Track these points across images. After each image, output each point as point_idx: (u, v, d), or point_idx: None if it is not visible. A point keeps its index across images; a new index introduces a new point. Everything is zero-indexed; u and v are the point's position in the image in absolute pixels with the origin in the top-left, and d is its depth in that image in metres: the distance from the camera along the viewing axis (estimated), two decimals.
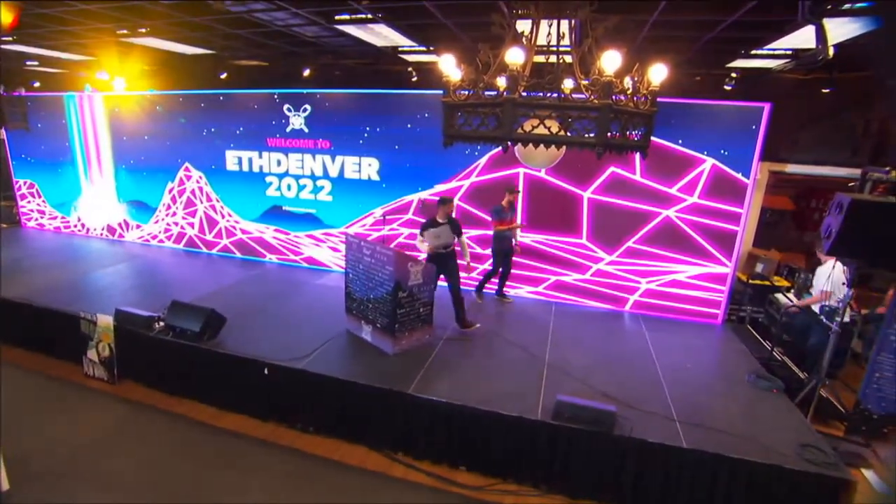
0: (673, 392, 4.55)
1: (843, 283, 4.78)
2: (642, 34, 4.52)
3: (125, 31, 5.29)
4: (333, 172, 7.64)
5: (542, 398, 4.29)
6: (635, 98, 2.30)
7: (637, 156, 6.09)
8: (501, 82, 2.50)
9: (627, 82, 2.27)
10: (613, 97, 2.19)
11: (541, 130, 2.16)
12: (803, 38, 4.37)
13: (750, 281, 6.84)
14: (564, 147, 2.23)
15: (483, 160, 6.68)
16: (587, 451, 3.85)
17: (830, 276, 5.14)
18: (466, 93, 2.32)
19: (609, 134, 2.17)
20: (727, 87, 6.07)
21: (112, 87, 9.04)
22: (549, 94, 2.43)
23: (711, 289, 6.32)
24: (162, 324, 5.34)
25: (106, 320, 5.28)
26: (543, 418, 3.96)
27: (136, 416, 4.87)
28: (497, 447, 4.09)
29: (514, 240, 6.54)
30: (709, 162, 6.01)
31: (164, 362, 5.19)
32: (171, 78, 8.76)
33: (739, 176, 5.94)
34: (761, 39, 4.72)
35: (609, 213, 6.27)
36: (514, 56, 2.07)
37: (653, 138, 5.92)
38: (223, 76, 7.88)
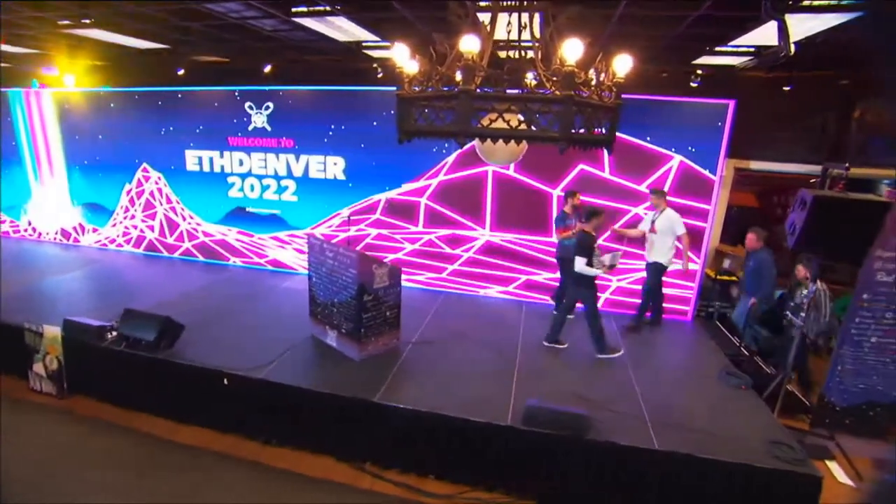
0: (645, 391, 4.51)
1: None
2: (608, 29, 4.46)
3: (68, 22, 4.96)
4: (298, 172, 7.40)
5: (512, 402, 4.19)
6: (600, 91, 2.19)
7: (605, 152, 6.13)
8: (459, 75, 2.39)
9: (591, 74, 2.16)
10: (577, 91, 2.08)
11: (500, 125, 2.04)
12: (766, 34, 4.39)
13: (718, 277, 6.89)
14: (526, 143, 2.10)
15: (451, 158, 6.56)
16: (559, 455, 3.77)
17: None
18: (422, 88, 2.18)
19: (572, 129, 2.06)
20: (693, 84, 6.11)
21: (63, 83, 8.58)
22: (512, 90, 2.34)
23: (681, 286, 6.34)
24: (114, 333, 5.04)
25: (53, 331, 4.97)
26: (514, 424, 3.85)
27: (87, 433, 4.58)
28: (467, 454, 3.97)
29: None
30: (676, 159, 6.03)
31: (117, 374, 4.89)
32: (126, 74, 8.35)
33: (706, 173, 5.98)
34: (726, 36, 4.74)
35: (579, 211, 6.20)
36: (469, 44, 1.93)
37: (621, 135, 6.00)
38: (180, 73, 7.54)
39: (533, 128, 2.05)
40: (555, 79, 2.00)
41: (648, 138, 6.03)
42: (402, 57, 2.23)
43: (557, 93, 1.99)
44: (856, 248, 4.14)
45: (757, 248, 5.64)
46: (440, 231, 6.91)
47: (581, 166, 6.21)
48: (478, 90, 2.03)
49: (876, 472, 4.16)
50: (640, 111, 5.94)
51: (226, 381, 4.57)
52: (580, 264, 4.95)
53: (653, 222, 5.74)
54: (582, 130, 2.25)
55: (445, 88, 2.07)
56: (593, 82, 2.14)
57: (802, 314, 4.69)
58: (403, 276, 7.02)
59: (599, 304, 6.41)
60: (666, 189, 6.04)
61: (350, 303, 4.70)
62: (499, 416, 3.94)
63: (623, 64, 2.21)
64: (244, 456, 4.29)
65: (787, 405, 4.78)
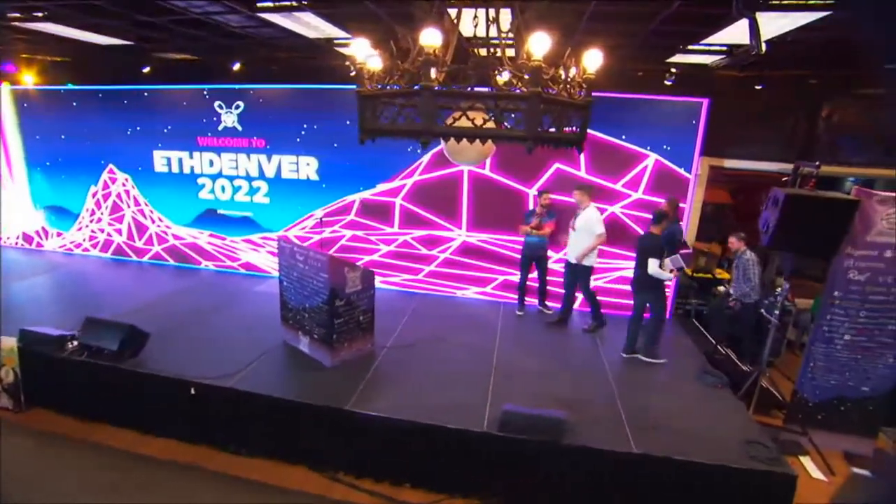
0: (622, 392, 4.48)
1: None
2: (581, 26, 4.41)
3: (17, 15, 4.69)
4: (270, 173, 7.21)
5: (488, 407, 4.11)
6: (569, 88, 2.11)
7: (579, 152, 6.10)
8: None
9: (560, 71, 2.08)
10: (546, 88, 1.99)
11: (465, 123, 1.94)
12: (738, 33, 4.39)
13: (694, 275, 6.94)
14: (492, 142, 2.01)
15: (426, 158, 6.46)
16: (536, 461, 3.70)
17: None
18: (383, 85, 2.07)
19: (541, 127, 1.98)
20: (667, 83, 6.12)
21: (22, 81, 8.21)
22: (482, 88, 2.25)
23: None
24: (75, 343, 4.82)
25: (9, 343, 4.73)
26: (490, 429, 3.77)
27: (47, 448, 4.36)
28: (442, 462, 3.88)
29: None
30: (652, 157, 6.04)
31: (79, 386, 4.67)
32: (89, 72, 8.03)
33: (682, 171, 6.00)
34: (699, 34, 4.73)
35: (555, 210, 6.16)
36: (430, 38, 1.83)
37: (597, 133, 6.07)
38: (146, 70, 7.27)
39: (500, 126, 1.95)
40: (521, 74, 1.91)
41: (624, 137, 6.02)
42: (362, 53, 2.12)
43: (524, 89, 1.90)
44: (827, 245, 4.18)
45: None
46: (416, 232, 6.81)
47: (557, 165, 6.17)
48: (442, 87, 1.94)
49: (867, 466, 4.23)
50: (616, 109, 5.95)
51: (193, 391, 4.41)
52: (654, 266, 4.92)
53: (574, 219, 5.69)
54: (553, 129, 2.17)
55: (411, 87, 1.97)
56: (563, 78, 2.06)
57: (777, 311, 4.71)
58: (379, 278, 6.96)
59: (576, 305, 6.45)
60: (642, 187, 6.04)
61: (321, 308, 4.56)
62: (474, 422, 3.85)
63: (593, 59, 2.13)
64: (214, 467, 4.13)
65: (762, 401, 4.81)
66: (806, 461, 4.37)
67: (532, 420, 3.66)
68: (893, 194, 4.19)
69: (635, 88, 6.04)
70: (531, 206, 6.00)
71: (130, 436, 4.45)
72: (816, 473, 4.23)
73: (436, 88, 1.87)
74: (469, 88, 1.99)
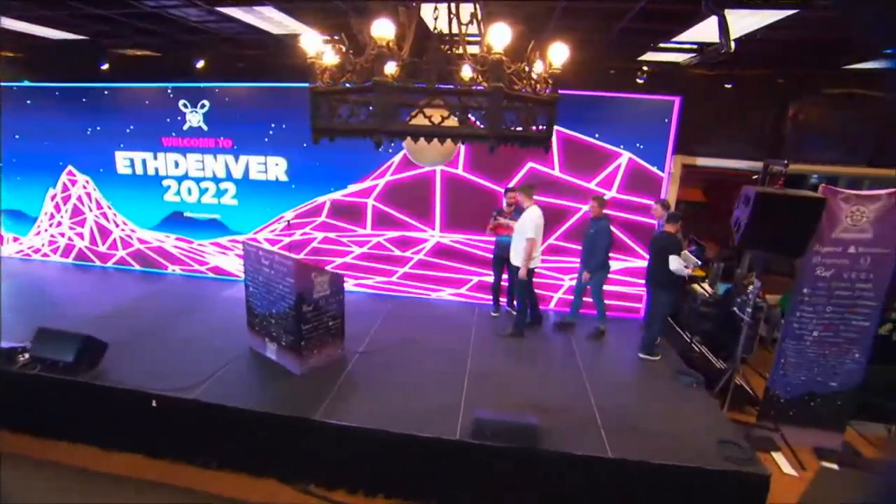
0: (597, 395, 4.44)
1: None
2: (551, 22, 4.35)
3: None
4: (237, 174, 6.98)
5: (462, 413, 4.01)
6: (534, 84, 2.01)
7: (555, 150, 6.06)
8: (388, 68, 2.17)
9: (524, 66, 1.98)
10: (510, 84, 1.90)
11: (423, 121, 1.83)
12: (708, 31, 4.39)
13: None
14: (458, 142, 1.90)
15: (398, 158, 6.32)
16: (511, 468, 3.62)
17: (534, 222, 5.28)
18: (336, 81, 1.94)
19: (503, 124, 1.88)
20: (639, 81, 6.12)
21: None
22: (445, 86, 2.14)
23: (632, 283, 6.35)
24: (27, 356, 4.55)
25: None
26: (463, 437, 3.67)
27: None
28: (416, 471, 3.78)
29: None
30: (625, 156, 6.03)
31: (32, 401, 4.41)
32: (43, 68, 7.64)
33: (655, 169, 6.00)
34: (670, 32, 4.72)
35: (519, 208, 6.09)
36: (383, 30, 1.71)
37: (570, 132, 6.05)
38: (104, 67, 6.96)
39: (461, 124, 1.85)
40: (481, 69, 1.81)
41: (597, 135, 6.00)
42: (314, 47, 1.99)
43: (485, 84, 1.80)
44: (797, 243, 4.21)
45: (599, 215, 5.52)
46: (389, 233, 6.68)
47: (530, 164, 6.12)
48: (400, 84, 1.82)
49: (835, 459, 4.27)
50: (589, 108, 5.93)
51: (154, 404, 4.21)
52: (675, 263, 4.97)
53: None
54: (520, 128, 2.08)
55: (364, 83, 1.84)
56: (527, 73, 1.96)
57: (749, 309, 4.72)
58: (352, 281, 6.86)
59: (552, 304, 6.42)
60: (615, 186, 6.02)
61: (288, 313, 4.40)
62: (448, 430, 3.76)
63: (559, 53, 2.04)
64: (179, 482, 3.93)
65: (736, 398, 4.84)
66: (778, 457, 4.41)
67: (505, 427, 3.58)
68: (857, 192, 4.24)
69: (608, 87, 6.03)
70: (503, 206, 5.92)
71: (90, 452, 4.23)
72: (788, 469, 4.27)
73: (389, 84, 1.75)
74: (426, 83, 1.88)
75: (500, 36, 1.73)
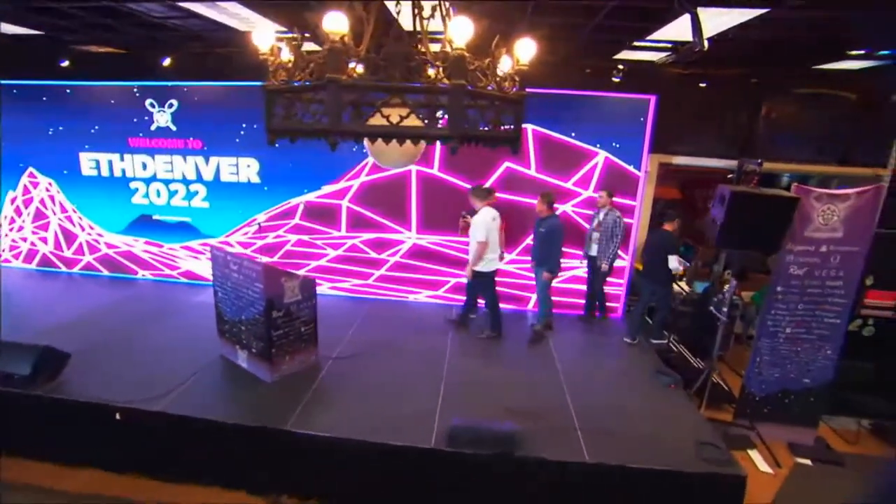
0: (575, 397, 4.40)
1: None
2: (524, 19, 4.28)
3: None
4: (208, 175, 6.78)
5: (437, 420, 3.93)
6: (499, 80, 1.93)
7: (531, 149, 6.02)
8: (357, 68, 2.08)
9: (488, 62, 1.89)
10: (474, 81, 1.81)
11: (380, 121, 1.73)
12: (682, 30, 4.38)
13: None
14: (419, 143, 1.81)
15: (372, 158, 6.20)
16: (487, 475, 3.55)
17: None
18: (289, 78, 1.83)
19: (466, 123, 1.79)
20: (615, 80, 6.10)
21: None
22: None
23: (610, 282, 6.33)
24: None
25: None
26: (438, 445, 3.59)
27: None
28: (390, 481, 3.68)
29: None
30: (602, 155, 6.01)
31: None
32: (2, 65, 7.31)
33: (631, 168, 6.00)
34: (644, 29, 4.69)
35: (506, 210, 6.03)
36: (335, 23, 1.61)
37: (546, 131, 6.00)
38: (64, 64, 6.68)
39: (424, 124, 1.76)
40: (441, 64, 1.72)
41: (573, 134, 5.97)
42: (265, 42, 1.87)
43: (446, 81, 1.71)
44: (772, 241, 4.23)
45: (547, 214, 5.40)
46: (364, 235, 6.56)
47: (507, 164, 6.06)
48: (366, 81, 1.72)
49: (809, 455, 4.30)
50: (565, 107, 5.90)
51: (118, 416, 4.04)
52: (674, 263, 5.24)
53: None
54: (486, 127, 1.99)
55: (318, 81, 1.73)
56: (492, 69, 1.87)
57: (725, 309, 4.73)
58: (327, 284, 6.73)
59: (531, 305, 6.38)
60: (592, 185, 5.99)
61: (258, 320, 4.26)
62: (423, 438, 3.67)
63: (526, 49, 1.95)
64: (145, 497, 3.79)
65: (713, 396, 4.85)
66: (754, 454, 4.44)
67: (481, 433, 3.51)
68: (828, 191, 4.27)
69: (584, 85, 6.00)
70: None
71: (49, 469, 4.03)
72: (764, 467, 4.30)
73: (342, 82, 1.65)
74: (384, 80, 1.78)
75: (461, 30, 1.64)
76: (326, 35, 1.62)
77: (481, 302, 5.74)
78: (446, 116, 1.82)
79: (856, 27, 4.30)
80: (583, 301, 6.32)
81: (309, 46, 2.20)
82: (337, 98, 1.67)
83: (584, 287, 6.30)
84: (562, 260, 5.58)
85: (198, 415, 3.92)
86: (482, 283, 5.46)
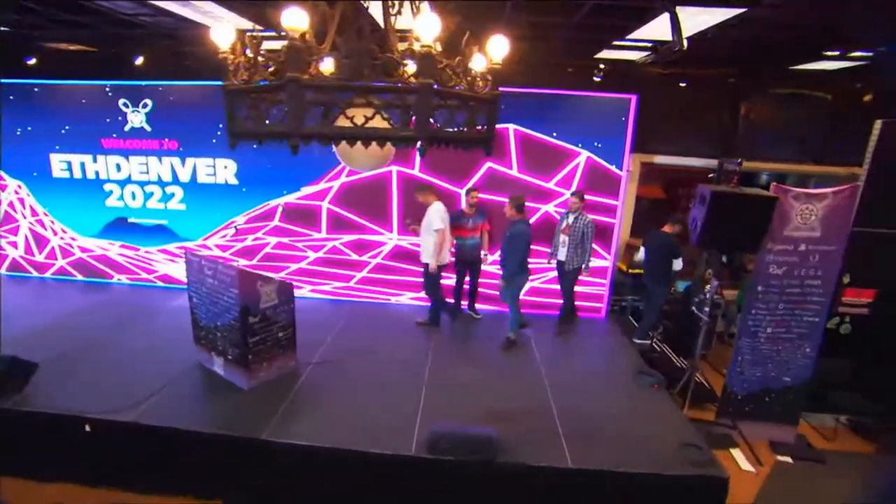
0: (558, 400, 4.36)
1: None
2: (503, 17, 4.23)
3: None
4: (184, 177, 6.62)
5: (418, 426, 3.86)
6: (469, 79, 1.86)
7: (513, 150, 5.97)
8: (326, 65, 1.99)
9: (458, 60, 1.82)
10: (444, 80, 1.74)
11: (343, 122, 1.66)
12: (662, 29, 4.37)
13: (629, 270, 6.97)
14: (384, 144, 1.73)
15: None
16: (469, 482, 3.49)
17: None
18: (249, 78, 1.74)
19: (435, 124, 1.73)
20: (597, 79, 6.09)
21: None
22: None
23: (593, 283, 6.33)
24: None
25: None
26: (418, 452, 3.52)
27: None
28: (370, 489, 3.61)
29: (482, 249, 5.85)
30: (584, 154, 5.99)
31: None
32: None
33: (613, 168, 5.98)
34: (625, 28, 4.67)
35: (489, 210, 5.98)
36: (294, 19, 1.53)
37: (528, 131, 5.96)
38: (31, 62, 6.46)
39: (397, 126, 1.69)
40: (403, 63, 1.65)
41: (555, 134, 5.94)
42: (224, 40, 1.78)
43: (413, 79, 1.64)
44: (752, 241, 4.23)
45: (516, 219, 5.21)
46: (345, 237, 6.46)
47: (489, 164, 6.01)
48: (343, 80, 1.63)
49: (789, 452, 4.35)
50: (547, 106, 5.86)
51: (88, 428, 3.90)
52: (679, 265, 5.42)
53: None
54: (457, 128, 1.93)
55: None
56: (462, 67, 1.80)
57: (707, 308, 4.73)
58: (308, 287, 6.61)
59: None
60: (574, 185, 5.97)
61: (234, 326, 4.15)
62: (403, 445, 3.60)
63: (499, 46, 1.88)
64: None
65: (696, 395, 4.84)
66: (736, 453, 4.45)
67: (461, 440, 3.45)
68: (806, 191, 4.29)
69: (565, 85, 5.97)
70: (464, 206, 5.79)
71: (17, 485, 3.87)
72: (746, 466, 4.31)
73: (302, 81, 1.57)
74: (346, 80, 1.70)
75: (429, 26, 1.57)
76: (287, 32, 1.54)
77: (464, 303, 5.70)
78: (409, 117, 1.76)
79: (831, 27, 4.33)
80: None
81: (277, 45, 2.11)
82: (298, 98, 1.59)
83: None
84: (528, 264, 5.37)
85: (171, 425, 3.81)
86: (432, 276, 5.52)
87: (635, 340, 5.78)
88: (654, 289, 5.69)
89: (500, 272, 5.37)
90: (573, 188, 6.01)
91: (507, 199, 5.31)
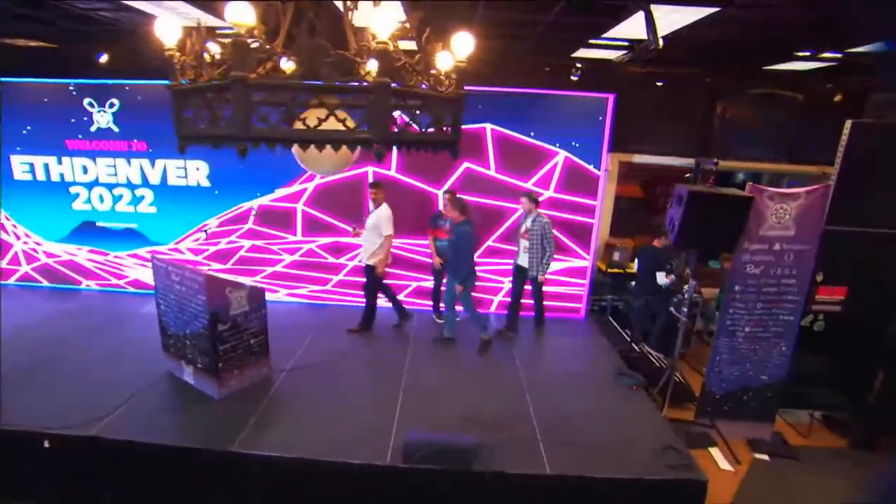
0: (536, 405, 4.31)
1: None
2: (477, 14, 4.16)
3: None
4: (154, 179, 6.42)
5: (394, 435, 3.77)
6: (431, 78, 1.78)
7: (490, 149, 5.91)
8: (288, 66, 1.89)
9: (419, 58, 1.73)
10: (405, 79, 1.66)
11: (297, 124, 1.56)
12: (638, 28, 4.35)
13: (608, 270, 6.98)
14: (339, 148, 1.63)
15: None
16: (446, 491, 3.41)
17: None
18: (195, 77, 1.63)
19: (394, 126, 1.64)
20: (574, 78, 6.06)
21: None
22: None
23: (573, 283, 6.30)
24: None
25: None
26: (394, 462, 3.43)
27: None
28: (346, 501, 3.52)
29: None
30: (561, 154, 5.96)
31: None
32: None
33: (591, 168, 5.96)
34: (600, 26, 4.64)
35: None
36: (239, 14, 1.43)
37: (506, 131, 5.90)
38: None
39: (351, 127, 1.59)
40: (361, 61, 1.56)
41: (532, 134, 5.89)
42: (170, 36, 1.67)
43: (369, 78, 1.55)
44: (729, 241, 4.23)
45: (458, 220, 5.11)
46: (321, 239, 6.33)
47: (466, 165, 5.94)
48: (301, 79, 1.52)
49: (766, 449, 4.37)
50: (524, 106, 5.81)
51: (46, 444, 3.72)
52: (662, 279, 5.58)
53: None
54: (421, 129, 1.84)
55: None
56: (423, 66, 1.71)
57: (685, 309, 4.73)
58: (283, 291, 6.47)
59: (493, 308, 6.28)
60: (553, 185, 5.93)
61: (203, 333, 4.00)
62: (379, 454, 3.50)
63: (463, 44, 1.79)
64: None
65: (676, 395, 4.84)
66: (715, 452, 4.45)
67: (438, 448, 3.36)
68: (780, 190, 4.31)
69: (542, 84, 5.93)
70: (440, 208, 5.71)
71: None
72: (724, 465, 4.31)
73: (249, 81, 1.47)
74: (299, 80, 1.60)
75: (385, 22, 1.47)
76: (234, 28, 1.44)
77: (460, 308, 5.51)
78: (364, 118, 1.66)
79: (802, 27, 4.36)
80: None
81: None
82: (245, 99, 1.49)
83: (551, 289, 6.17)
84: (475, 269, 5.28)
85: (137, 438, 3.65)
86: (374, 277, 5.46)
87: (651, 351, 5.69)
88: (649, 300, 5.85)
89: (454, 277, 5.21)
90: (552, 187, 5.97)
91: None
